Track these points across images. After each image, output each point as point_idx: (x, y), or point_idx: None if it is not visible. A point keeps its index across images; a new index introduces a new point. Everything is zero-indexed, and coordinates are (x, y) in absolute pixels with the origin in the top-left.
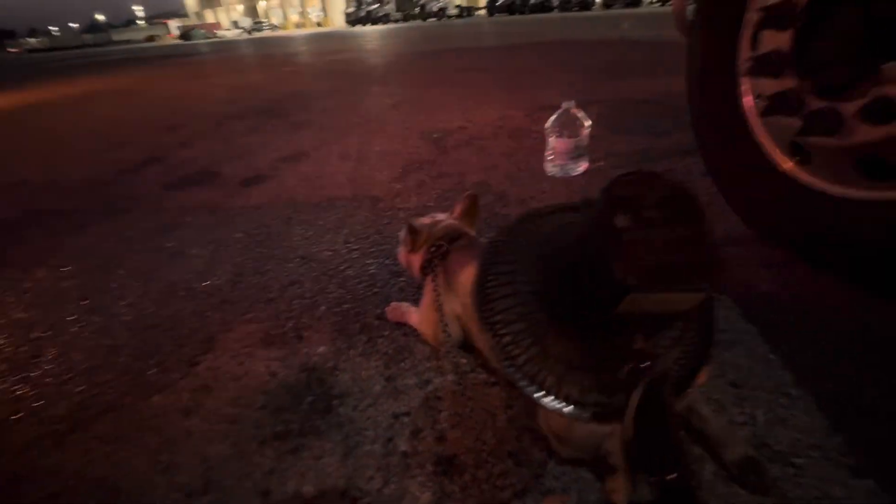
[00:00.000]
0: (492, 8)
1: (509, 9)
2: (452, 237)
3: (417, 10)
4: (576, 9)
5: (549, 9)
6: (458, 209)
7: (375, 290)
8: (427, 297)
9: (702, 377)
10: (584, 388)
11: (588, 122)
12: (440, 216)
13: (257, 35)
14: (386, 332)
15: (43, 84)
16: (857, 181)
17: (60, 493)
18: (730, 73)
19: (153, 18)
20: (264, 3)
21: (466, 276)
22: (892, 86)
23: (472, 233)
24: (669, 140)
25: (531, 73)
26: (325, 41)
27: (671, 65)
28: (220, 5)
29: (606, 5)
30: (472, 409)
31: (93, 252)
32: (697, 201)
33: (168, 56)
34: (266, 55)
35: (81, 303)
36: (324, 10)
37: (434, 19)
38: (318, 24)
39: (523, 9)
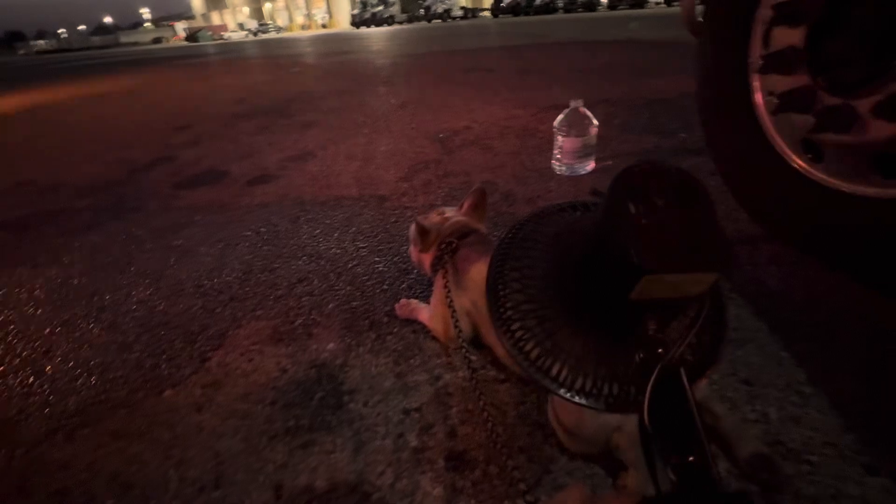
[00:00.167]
0: (496, 9)
1: (514, 10)
2: (462, 234)
3: (422, 11)
4: (580, 10)
5: (554, 10)
6: (466, 203)
7: (384, 287)
8: (437, 293)
9: (713, 368)
10: (598, 379)
11: (595, 122)
12: (449, 211)
13: (263, 37)
14: (395, 329)
15: (51, 85)
16: (870, 179)
17: (72, 488)
18: (741, 70)
19: (160, 20)
20: (270, 4)
21: (476, 272)
22: None
23: (482, 228)
24: (677, 139)
25: (537, 74)
26: (330, 43)
27: (678, 65)
28: (226, 7)
29: (611, 6)
30: (483, 406)
31: (103, 250)
32: (704, 188)
33: (175, 58)
34: (272, 56)
35: (92, 300)
36: (329, 12)
37: (439, 21)
38: (323, 26)
39: (528, 10)
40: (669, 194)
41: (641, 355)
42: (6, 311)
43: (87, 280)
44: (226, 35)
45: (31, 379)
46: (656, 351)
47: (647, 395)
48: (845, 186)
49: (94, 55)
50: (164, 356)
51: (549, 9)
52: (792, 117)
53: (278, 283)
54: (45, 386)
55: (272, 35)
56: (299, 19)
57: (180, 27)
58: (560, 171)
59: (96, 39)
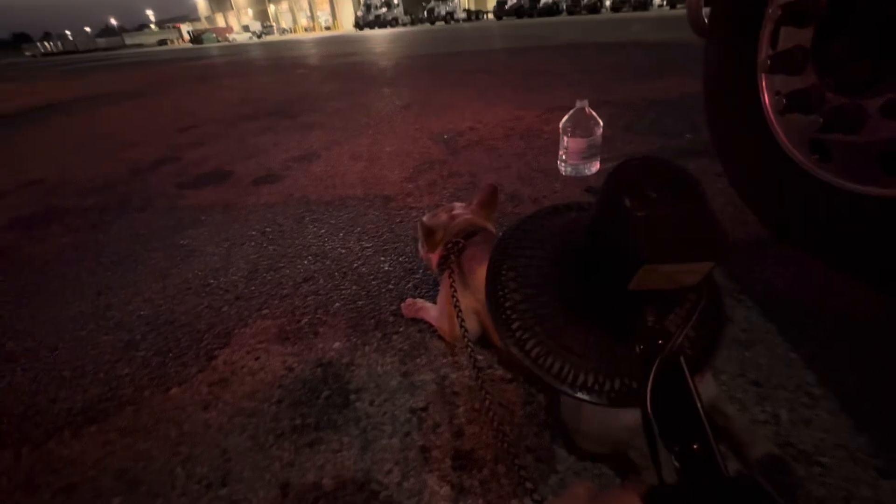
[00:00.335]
0: (500, 12)
1: (517, 12)
2: (469, 233)
3: (426, 14)
4: (584, 12)
5: (558, 12)
6: (476, 200)
7: (389, 286)
8: (444, 292)
9: (713, 358)
10: (600, 374)
11: (601, 122)
12: (458, 208)
13: (267, 38)
14: (401, 329)
15: (57, 86)
16: (879, 179)
17: (80, 484)
18: (748, 71)
19: (165, 22)
20: (274, 7)
21: (483, 271)
22: None
23: (491, 227)
24: (682, 140)
25: (541, 75)
26: (334, 45)
27: (682, 66)
28: (230, 9)
29: (614, 9)
30: (490, 405)
31: (110, 249)
32: (697, 182)
33: (180, 59)
34: (276, 58)
35: (99, 298)
36: (333, 14)
37: (442, 23)
38: (327, 28)
39: (532, 12)
40: (663, 188)
41: (641, 347)
42: (15, 309)
43: (94, 279)
44: (230, 37)
45: (39, 376)
46: (656, 342)
47: (649, 385)
48: (854, 187)
49: (99, 57)
50: (171, 354)
51: (552, 11)
52: (800, 117)
53: (284, 283)
54: (53, 383)
55: (276, 37)
56: (303, 21)
57: (185, 29)
58: (565, 171)
59: (102, 41)
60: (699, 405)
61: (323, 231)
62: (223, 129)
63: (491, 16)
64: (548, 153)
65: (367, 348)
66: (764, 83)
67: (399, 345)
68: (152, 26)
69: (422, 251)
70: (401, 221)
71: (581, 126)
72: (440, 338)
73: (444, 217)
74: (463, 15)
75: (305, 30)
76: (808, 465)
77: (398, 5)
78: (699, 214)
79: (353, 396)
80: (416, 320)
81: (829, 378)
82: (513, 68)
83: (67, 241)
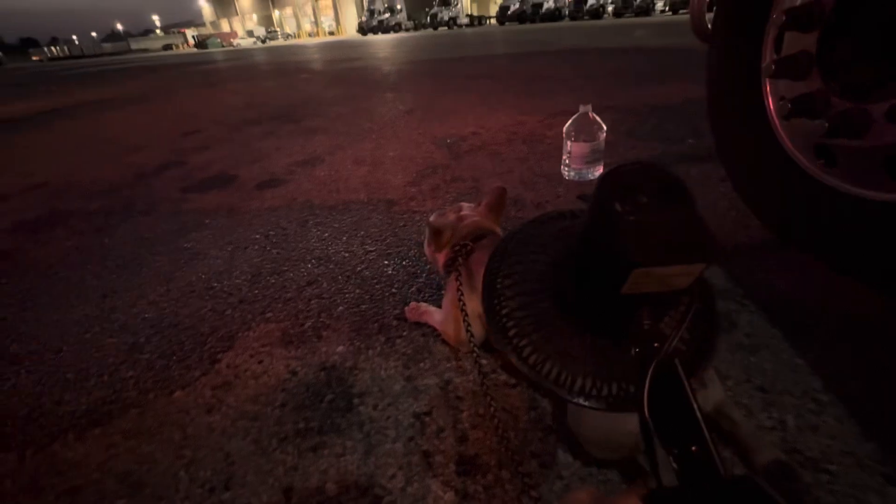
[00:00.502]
0: (502, 17)
1: (520, 18)
2: (477, 236)
3: (428, 19)
4: (586, 18)
5: (560, 18)
6: (484, 202)
7: (393, 290)
8: (449, 295)
9: (709, 360)
10: (597, 379)
11: (604, 127)
12: (466, 209)
13: (271, 44)
14: (405, 333)
15: (63, 91)
16: (885, 183)
17: (84, 486)
18: (751, 75)
19: (170, 27)
20: (278, 12)
21: None
22: None
23: (498, 230)
24: (684, 146)
25: (543, 80)
26: (337, 50)
27: (684, 72)
28: (235, 15)
29: (617, 14)
30: (495, 410)
31: (115, 252)
32: (686, 187)
33: (184, 64)
34: (280, 63)
35: (104, 301)
36: (336, 19)
37: (445, 28)
38: (331, 33)
39: (534, 18)
40: (653, 193)
41: (637, 350)
42: (19, 312)
43: (99, 281)
44: (235, 42)
45: (43, 379)
46: (651, 344)
47: (646, 388)
48: (859, 191)
49: (105, 62)
50: (175, 357)
51: (554, 16)
52: (804, 122)
53: (287, 286)
54: (57, 386)
55: (280, 42)
56: (307, 27)
57: (190, 34)
58: (569, 176)
59: (108, 46)
60: (696, 407)
61: (326, 235)
62: (227, 133)
63: (493, 21)
64: (551, 158)
65: (370, 352)
66: (768, 88)
67: (403, 349)
68: (157, 31)
69: (428, 251)
70: (404, 225)
71: (584, 131)
72: (444, 342)
73: (452, 217)
74: (466, 20)
75: (309, 35)
76: (816, 472)
77: (401, 11)
78: (689, 218)
79: (356, 400)
80: (419, 324)
81: (835, 383)
82: (515, 73)
83: (72, 244)
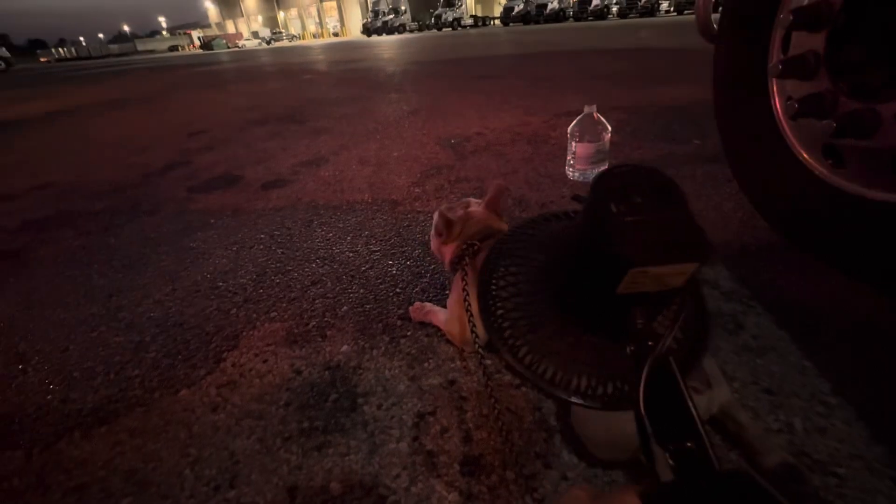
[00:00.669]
0: (506, 18)
1: (524, 19)
2: (486, 235)
3: (433, 20)
4: (590, 18)
5: (564, 18)
6: (485, 200)
7: (397, 290)
8: (455, 294)
9: (702, 357)
10: (592, 378)
11: (609, 128)
12: (474, 203)
13: (276, 45)
14: (409, 333)
15: (71, 91)
16: (894, 184)
17: (90, 484)
18: (759, 76)
19: (176, 29)
20: (283, 13)
21: None
22: None
23: (505, 229)
24: (691, 147)
25: (548, 81)
26: (342, 51)
27: (689, 72)
28: (240, 16)
29: (621, 15)
30: (499, 411)
31: (121, 252)
32: (679, 187)
33: (190, 65)
34: (285, 64)
35: (110, 300)
36: (341, 20)
37: (449, 29)
38: (335, 35)
39: (538, 19)
40: (647, 194)
41: (632, 348)
42: (26, 311)
43: (105, 281)
44: (240, 43)
45: (50, 377)
46: (646, 343)
47: (641, 386)
48: (867, 192)
49: (112, 62)
50: (180, 356)
51: (558, 17)
52: (812, 122)
53: (292, 286)
54: (64, 384)
55: (285, 43)
56: (312, 28)
57: (196, 35)
58: (573, 176)
59: (114, 47)
60: (691, 404)
61: (331, 235)
62: (232, 133)
63: (497, 22)
64: (555, 159)
65: (374, 352)
66: (775, 88)
67: (407, 349)
68: (164, 33)
69: (434, 244)
70: (408, 226)
71: (589, 131)
72: (448, 342)
73: (460, 212)
74: (470, 21)
75: (314, 36)
76: (824, 476)
77: (405, 12)
78: (682, 218)
79: (360, 400)
80: (424, 324)
81: (843, 386)
82: (520, 74)
83: (79, 244)
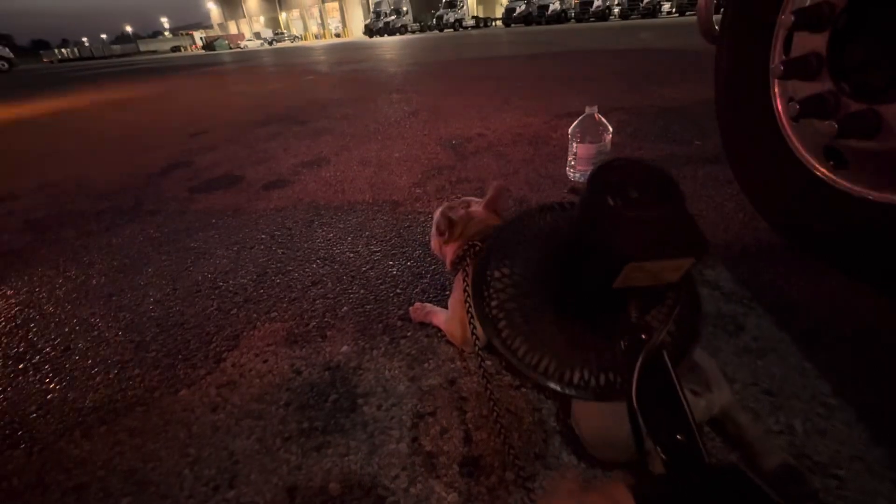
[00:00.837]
0: (508, 19)
1: (525, 20)
2: (486, 235)
3: (434, 21)
4: (592, 20)
5: (566, 19)
6: (485, 200)
7: (397, 291)
8: (456, 295)
9: (693, 349)
10: (585, 370)
11: (610, 128)
12: (474, 204)
13: (278, 45)
14: (409, 333)
15: (72, 92)
16: None
17: (90, 484)
18: (760, 77)
19: (179, 30)
20: (285, 14)
21: None
22: None
23: None
24: (692, 147)
25: (549, 82)
26: (344, 52)
27: (691, 73)
28: (243, 17)
29: (623, 16)
30: (499, 412)
31: (122, 251)
32: (675, 182)
33: (192, 66)
34: (287, 64)
35: (111, 300)
36: (343, 21)
37: (451, 30)
38: (337, 36)
39: (540, 20)
40: (644, 188)
41: (626, 341)
42: (27, 310)
43: (106, 280)
44: (242, 44)
45: (50, 376)
46: (640, 336)
47: (634, 380)
48: (869, 193)
49: (114, 63)
50: (180, 356)
51: (560, 18)
52: (814, 123)
53: (293, 286)
54: (64, 383)
55: (287, 44)
56: (313, 29)
57: (198, 36)
58: (574, 177)
59: (117, 48)
60: (683, 397)
61: (332, 235)
62: (234, 134)
63: (499, 23)
64: (556, 160)
65: (374, 352)
66: (776, 89)
67: (407, 349)
68: (166, 33)
69: (435, 243)
70: (409, 226)
71: (590, 132)
72: (448, 342)
73: (461, 212)
74: (471, 22)
75: (316, 37)
76: (825, 477)
77: (407, 13)
78: (679, 213)
79: (360, 400)
80: (424, 325)
81: (844, 388)
82: (521, 75)
83: (80, 243)
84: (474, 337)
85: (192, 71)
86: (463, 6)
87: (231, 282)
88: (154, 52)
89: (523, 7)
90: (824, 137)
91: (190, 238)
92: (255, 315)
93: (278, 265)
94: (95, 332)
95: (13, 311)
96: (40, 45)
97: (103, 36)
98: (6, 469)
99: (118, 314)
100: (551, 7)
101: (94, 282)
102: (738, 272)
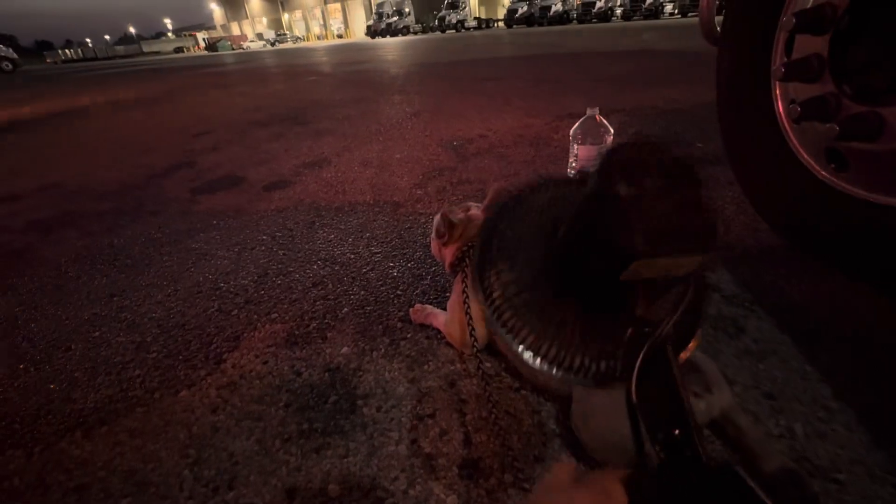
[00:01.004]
0: (510, 20)
1: (528, 21)
2: None
3: (436, 22)
4: (595, 21)
5: (568, 21)
6: (485, 203)
7: (398, 292)
8: (455, 297)
9: (695, 341)
10: (587, 357)
11: (611, 130)
12: (474, 208)
13: (280, 46)
14: (409, 335)
15: (75, 92)
16: None
17: (90, 484)
18: (761, 79)
19: (182, 30)
20: (288, 15)
21: None
22: None
23: None
24: (693, 149)
25: (551, 83)
26: (346, 52)
27: (692, 75)
28: (245, 18)
29: (625, 17)
30: (498, 414)
31: (124, 252)
32: (695, 167)
33: (195, 66)
34: (289, 65)
35: (112, 300)
36: (345, 22)
37: (453, 31)
38: (339, 37)
39: (542, 21)
40: (661, 175)
41: (630, 333)
42: (29, 310)
43: (108, 281)
44: (245, 45)
45: (52, 376)
46: (643, 329)
47: (636, 372)
48: (871, 196)
49: (117, 64)
50: (181, 357)
51: (562, 19)
52: (815, 126)
53: (293, 287)
54: (65, 384)
55: (289, 45)
56: (316, 30)
57: (201, 37)
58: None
59: (120, 49)
60: (683, 392)
61: (332, 236)
62: (236, 135)
63: (501, 24)
64: (558, 161)
65: (374, 354)
66: (778, 91)
67: (407, 351)
68: (169, 34)
69: (435, 246)
70: (410, 227)
71: (591, 134)
72: (448, 344)
73: (461, 214)
74: (473, 23)
75: (318, 38)
76: (825, 481)
77: (409, 14)
78: (696, 204)
79: (360, 402)
80: (424, 326)
81: (844, 391)
82: (522, 76)
83: (82, 244)
84: (473, 339)
85: (195, 71)
86: (465, 7)
87: (232, 283)
88: (157, 52)
89: (525, 8)
90: (826, 139)
91: (191, 239)
92: (255, 316)
93: (279, 266)
94: (97, 333)
95: (15, 311)
96: (44, 46)
97: (107, 37)
98: (7, 469)
99: (119, 315)
100: (553, 8)
101: (95, 282)
102: (739, 274)
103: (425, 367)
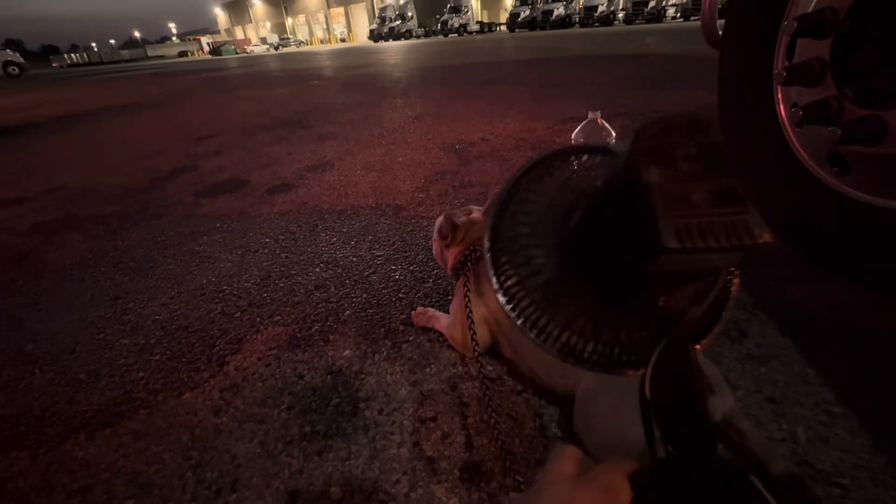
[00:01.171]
0: (512, 24)
1: (530, 25)
2: None
3: (439, 26)
4: (597, 24)
5: (570, 24)
6: (486, 207)
7: (400, 295)
8: (458, 300)
9: (707, 340)
10: (602, 344)
11: (613, 133)
12: (476, 212)
13: (284, 50)
14: (411, 338)
15: (79, 95)
16: None
17: (94, 486)
18: (763, 82)
19: (186, 35)
20: (291, 20)
21: None
22: None
23: None
24: None
25: (553, 87)
26: (349, 56)
27: (694, 78)
28: (249, 22)
29: (627, 21)
30: (496, 418)
31: (128, 255)
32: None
33: (199, 70)
34: (293, 69)
35: (116, 302)
36: (348, 26)
37: (455, 35)
38: (342, 41)
39: (544, 25)
40: (694, 158)
41: (648, 325)
42: (34, 312)
43: (112, 283)
44: (249, 49)
45: (57, 378)
46: (664, 322)
47: (651, 365)
48: (873, 200)
49: (122, 68)
50: (184, 359)
51: (565, 23)
52: (817, 129)
53: (296, 290)
54: (70, 385)
55: (293, 49)
56: (319, 34)
57: (205, 41)
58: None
59: (125, 53)
60: (699, 391)
61: (335, 239)
62: (240, 138)
63: (503, 28)
64: None
65: (376, 357)
66: (780, 95)
67: (409, 354)
68: (174, 38)
69: (436, 248)
70: (412, 231)
71: (593, 137)
72: (450, 347)
73: (463, 217)
74: (476, 27)
75: (321, 42)
76: (827, 486)
77: (412, 18)
78: (734, 193)
79: (362, 405)
80: (426, 329)
81: (847, 395)
82: (525, 80)
83: (87, 246)
84: (475, 342)
85: (199, 75)
86: (468, 11)
87: (235, 285)
88: (162, 56)
89: (528, 12)
90: (828, 143)
91: (195, 242)
92: (258, 319)
93: (282, 269)
94: (101, 335)
95: (21, 314)
96: (50, 50)
97: (112, 41)
98: (12, 470)
99: (123, 317)
100: (556, 12)
101: (99, 285)
102: (741, 278)
103: (427, 370)
